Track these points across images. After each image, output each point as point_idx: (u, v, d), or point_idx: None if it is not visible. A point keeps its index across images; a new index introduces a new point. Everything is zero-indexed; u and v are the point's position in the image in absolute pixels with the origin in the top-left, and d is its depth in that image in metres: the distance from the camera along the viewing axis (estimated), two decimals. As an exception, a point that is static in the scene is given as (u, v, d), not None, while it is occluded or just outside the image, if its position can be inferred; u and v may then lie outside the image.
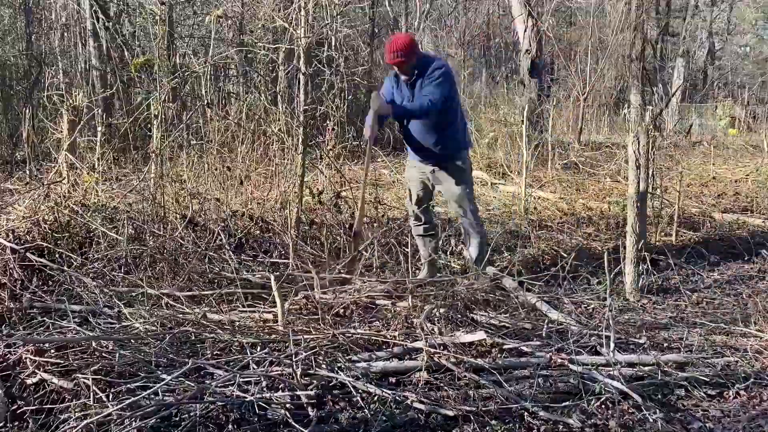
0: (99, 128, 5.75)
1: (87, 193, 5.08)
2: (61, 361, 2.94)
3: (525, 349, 3.43)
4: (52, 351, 3.07)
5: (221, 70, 12.21)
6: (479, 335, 3.45)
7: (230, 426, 2.62)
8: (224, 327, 3.53)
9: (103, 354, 3.07)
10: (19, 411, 2.66)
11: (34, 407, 2.68)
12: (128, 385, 2.80)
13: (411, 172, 4.87)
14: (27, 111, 7.03)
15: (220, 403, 2.70)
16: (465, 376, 3.08)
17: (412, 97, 4.45)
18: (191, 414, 2.63)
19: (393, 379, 3.10)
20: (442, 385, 3.03)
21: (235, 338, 3.38)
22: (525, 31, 11.01)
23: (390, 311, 3.85)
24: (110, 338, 3.27)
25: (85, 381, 2.75)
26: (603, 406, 2.93)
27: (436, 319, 3.71)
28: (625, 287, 4.72)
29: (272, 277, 3.70)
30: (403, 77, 4.45)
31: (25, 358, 2.97)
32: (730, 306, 4.53)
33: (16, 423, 2.61)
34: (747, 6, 25.30)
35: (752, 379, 3.20)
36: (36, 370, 2.88)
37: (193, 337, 3.40)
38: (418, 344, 3.31)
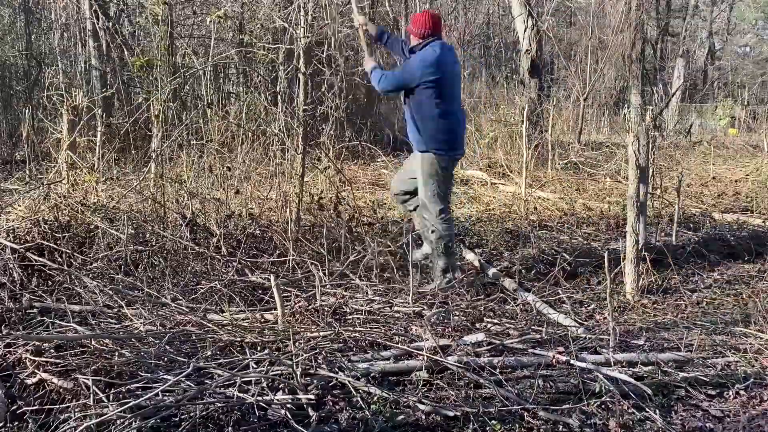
0: (99, 128, 5.75)
1: (87, 193, 5.08)
2: (61, 361, 2.94)
3: (524, 348, 3.44)
4: (52, 351, 3.07)
5: (221, 70, 12.21)
6: (479, 336, 3.47)
7: (230, 427, 2.61)
8: (225, 327, 3.53)
9: (103, 354, 3.07)
10: (19, 411, 2.66)
11: (33, 407, 2.67)
12: (128, 386, 2.80)
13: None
14: (27, 111, 7.02)
15: (219, 404, 2.70)
16: (466, 376, 3.08)
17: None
18: (191, 415, 2.63)
19: (393, 379, 3.10)
20: (442, 385, 3.03)
21: (235, 338, 3.38)
22: (525, 31, 11.01)
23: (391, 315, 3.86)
24: (110, 337, 3.27)
25: (85, 381, 2.75)
26: (603, 406, 2.93)
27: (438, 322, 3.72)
28: (625, 287, 4.72)
29: (272, 278, 3.70)
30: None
31: (25, 358, 2.97)
32: (730, 306, 4.54)
33: (16, 423, 2.61)
34: (747, 6, 25.30)
35: (752, 379, 3.20)
36: (36, 370, 2.88)
37: (194, 337, 3.39)
38: (420, 344, 3.32)
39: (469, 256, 5.44)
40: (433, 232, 4.63)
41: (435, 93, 4.46)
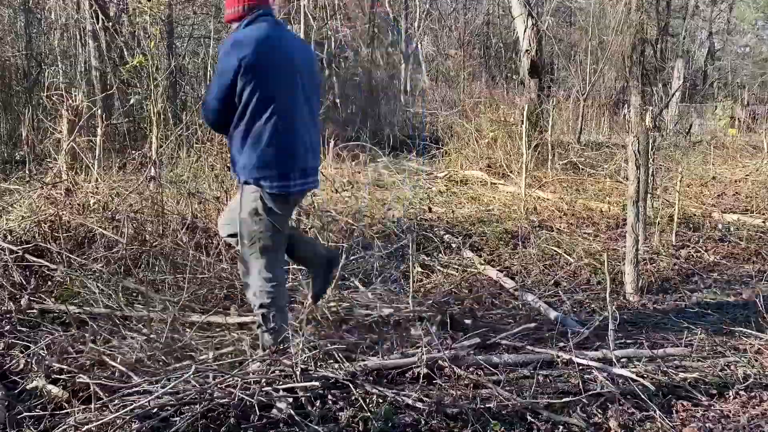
0: (99, 128, 5.75)
1: (86, 194, 5.07)
2: (61, 363, 2.94)
3: (524, 346, 3.44)
4: (52, 353, 3.07)
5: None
6: (475, 340, 3.48)
7: (231, 426, 2.61)
8: (226, 328, 3.53)
9: (103, 355, 3.07)
10: (18, 414, 2.65)
11: (33, 410, 2.67)
12: (128, 389, 2.79)
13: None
14: (27, 111, 7.01)
15: (220, 401, 2.70)
16: (464, 375, 3.07)
17: None
18: (192, 415, 2.63)
19: (393, 379, 3.10)
20: (442, 384, 3.03)
21: (235, 339, 3.38)
22: (525, 31, 11.02)
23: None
24: (110, 338, 3.27)
25: (85, 383, 2.74)
26: (603, 406, 2.93)
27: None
28: (625, 287, 4.71)
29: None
30: None
31: (25, 361, 2.96)
32: (730, 306, 4.54)
33: (16, 426, 2.60)
34: (747, 6, 25.31)
35: (752, 379, 3.20)
36: (35, 373, 2.88)
37: (193, 339, 3.39)
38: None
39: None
40: (255, 295, 3.20)
41: (253, 90, 2.99)
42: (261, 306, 3.15)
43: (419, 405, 2.80)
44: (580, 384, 3.06)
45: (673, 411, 2.95)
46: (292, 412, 2.69)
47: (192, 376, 2.79)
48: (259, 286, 3.15)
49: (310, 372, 2.99)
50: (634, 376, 3.09)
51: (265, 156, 3.03)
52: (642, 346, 3.61)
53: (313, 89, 3.20)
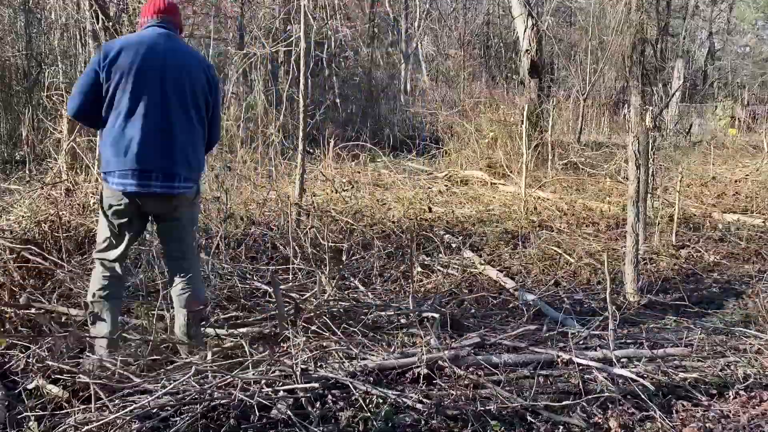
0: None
1: (86, 194, 5.07)
2: (61, 364, 2.94)
3: (524, 347, 3.44)
4: (52, 353, 3.06)
5: (221, 70, 12.21)
6: (475, 340, 3.47)
7: (231, 426, 2.61)
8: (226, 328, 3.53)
9: (103, 356, 3.07)
10: (18, 415, 2.65)
11: (33, 411, 2.67)
12: (128, 389, 2.79)
13: None
14: (27, 111, 7.00)
15: (221, 402, 2.69)
16: (464, 375, 3.07)
17: None
18: (192, 415, 2.63)
19: (394, 379, 3.10)
20: (442, 385, 3.03)
21: (236, 339, 3.38)
22: (525, 31, 11.02)
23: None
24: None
25: (85, 383, 2.74)
26: (603, 406, 2.93)
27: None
28: (625, 287, 4.72)
29: (272, 281, 3.70)
30: None
31: (25, 361, 2.96)
32: (730, 306, 4.54)
33: (16, 426, 2.60)
34: (747, 6, 25.32)
35: (752, 379, 3.20)
36: (35, 374, 2.87)
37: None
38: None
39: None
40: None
41: (108, 88, 3.06)
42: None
43: (419, 405, 2.80)
44: (581, 384, 3.06)
45: (673, 411, 2.95)
46: (290, 413, 2.69)
47: (192, 377, 2.79)
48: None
49: (310, 372, 2.99)
50: (634, 376, 3.09)
51: (106, 154, 3.06)
52: (642, 346, 3.61)
53: (184, 97, 3.13)
